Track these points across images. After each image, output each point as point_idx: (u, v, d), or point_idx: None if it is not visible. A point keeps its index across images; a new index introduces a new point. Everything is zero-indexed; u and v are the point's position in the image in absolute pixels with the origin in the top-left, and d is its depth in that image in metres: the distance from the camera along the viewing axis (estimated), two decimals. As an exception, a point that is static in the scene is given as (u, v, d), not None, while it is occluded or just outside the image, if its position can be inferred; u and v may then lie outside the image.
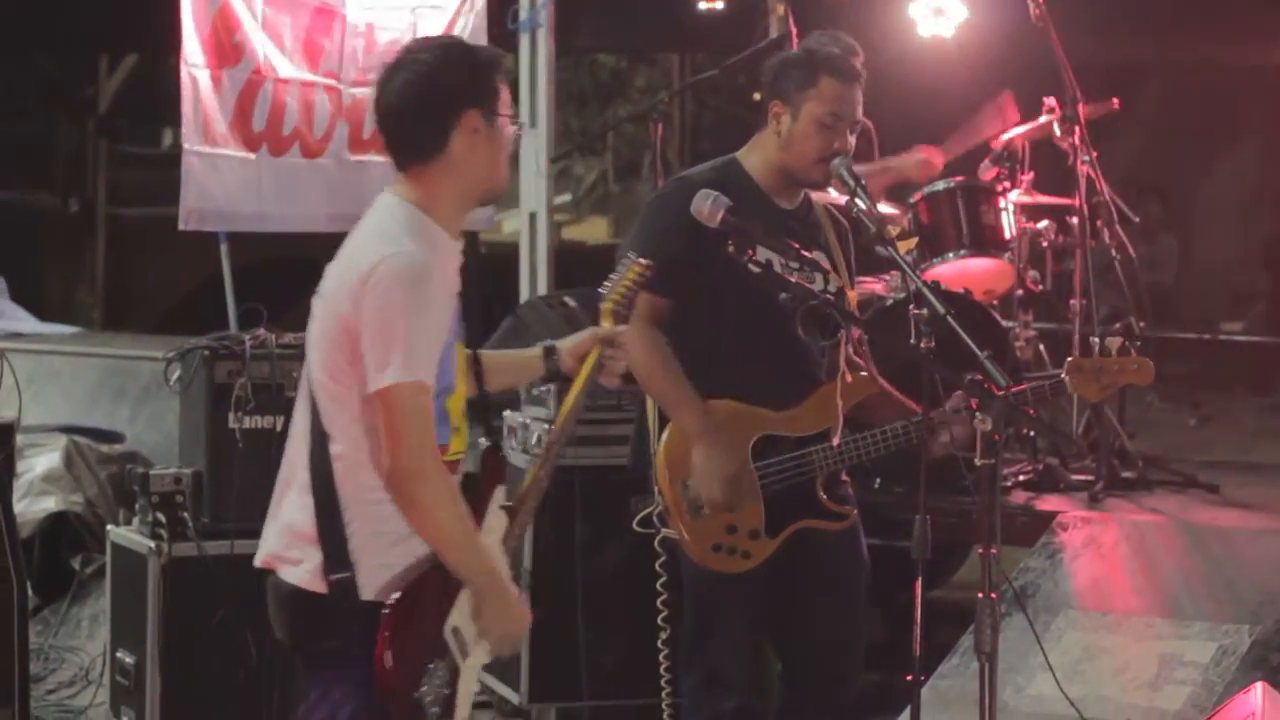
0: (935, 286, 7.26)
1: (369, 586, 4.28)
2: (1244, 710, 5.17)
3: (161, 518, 6.57)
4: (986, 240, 8.05)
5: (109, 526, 7.09)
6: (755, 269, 5.08)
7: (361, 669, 4.26)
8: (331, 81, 8.63)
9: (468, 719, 4.43)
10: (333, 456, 4.32)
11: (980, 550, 4.52)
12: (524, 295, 9.93)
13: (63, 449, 8.29)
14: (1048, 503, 7.52)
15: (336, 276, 4.34)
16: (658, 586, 5.63)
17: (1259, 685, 5.25)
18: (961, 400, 5.03)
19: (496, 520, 4.44)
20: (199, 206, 8.11)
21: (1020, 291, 8.24)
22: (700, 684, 5.53)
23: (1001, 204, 8.12)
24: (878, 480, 7.32)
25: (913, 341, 4.81)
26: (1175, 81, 14.15)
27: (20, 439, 7.10)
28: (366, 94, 8.73)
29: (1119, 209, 8.08)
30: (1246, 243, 14.65)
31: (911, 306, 4.86)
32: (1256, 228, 14.47)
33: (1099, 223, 7.95)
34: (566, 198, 23.41)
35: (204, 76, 8.11)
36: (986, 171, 8.25)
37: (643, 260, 4.70)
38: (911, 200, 8.16)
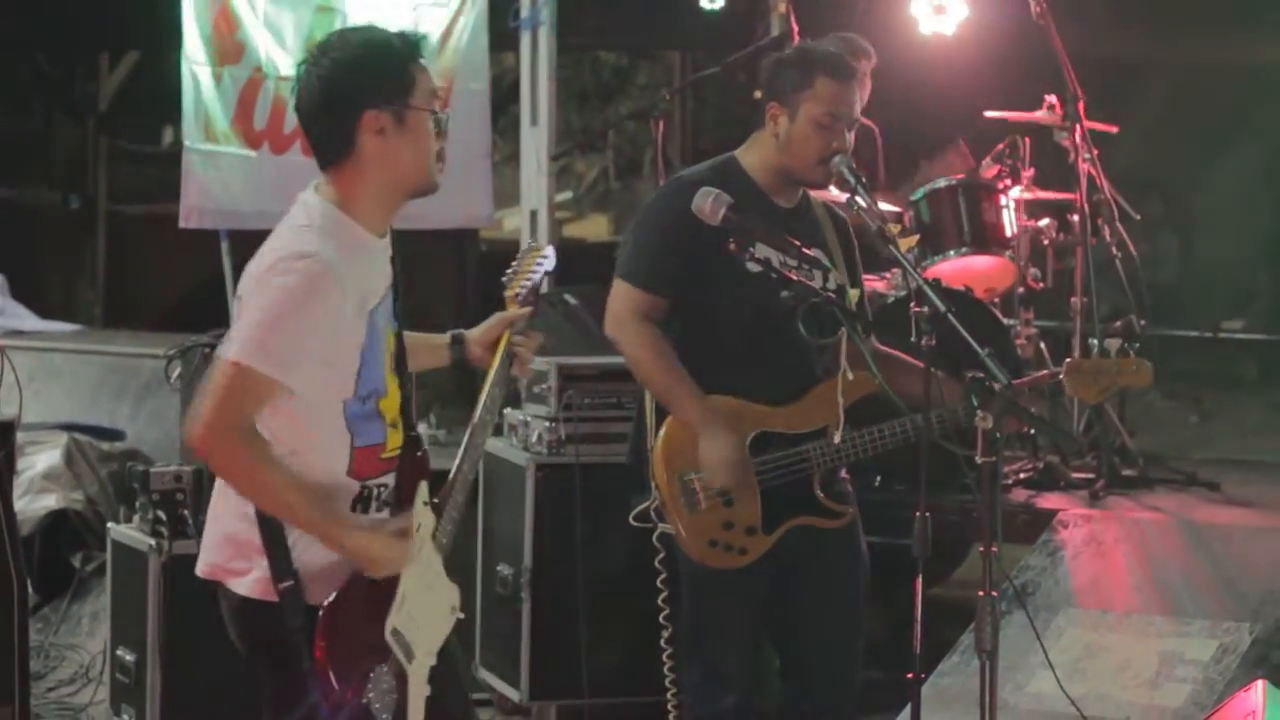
0: (936, 284, 7.25)
1: (315, 591, 4.26)
2: (1245, 708, 5.17)
3: (162, 515, 6.57)
4: (988, 238, 8.05)
5: (109, 524, 7.09)
6: (755, 267, 5.08)
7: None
8: (333, 79, 8.62)
9: None
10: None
11: (981, 548, 4.52)
12: (524, 293, 9.92)
13: (63, 446, 8.29)
14: (1048, 500, 7.52)
15: (244, 279, 4.32)
16: (658, 583, 5.63)
17: (1260, 683, 5.25)
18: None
19: (423, 517, 4.40)
20: (200, 204, 8.12)
21: (1021, 289, 8.24)
22: (700, 681, 5.54)
23: (1002, 201, 8.12)
24: (878, 478, 7.31)
25: (914, 339, 4.81)
26: (1177, 78, 14.14)
27: (21, 436, 7.10)
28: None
29: (1120, 206, 8.08)
30: (1248, 240, 14.63)
31: (912, 304, 4.85)
32: (1258, 225, 14.44)
33: (1100, 220, 7.95)
34: (567, 195, 23.39)
35: (205, 74, 8.12)
36: (988, 169, 8.25)
37: (538, 244, 4.75)
38: (913, 198, 8.16)
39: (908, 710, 4.90)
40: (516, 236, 10.38)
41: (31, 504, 8.03)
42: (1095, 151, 7.88)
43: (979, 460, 4.51)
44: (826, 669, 5.57)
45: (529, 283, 4.71)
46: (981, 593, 4.49)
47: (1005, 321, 7.94)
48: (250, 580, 4.33)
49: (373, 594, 4.28)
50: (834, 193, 6.57)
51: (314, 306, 4.18)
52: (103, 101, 15.95)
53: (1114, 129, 8.28)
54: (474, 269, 15.76)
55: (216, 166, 8.15)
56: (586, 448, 6.65)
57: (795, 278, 5.07)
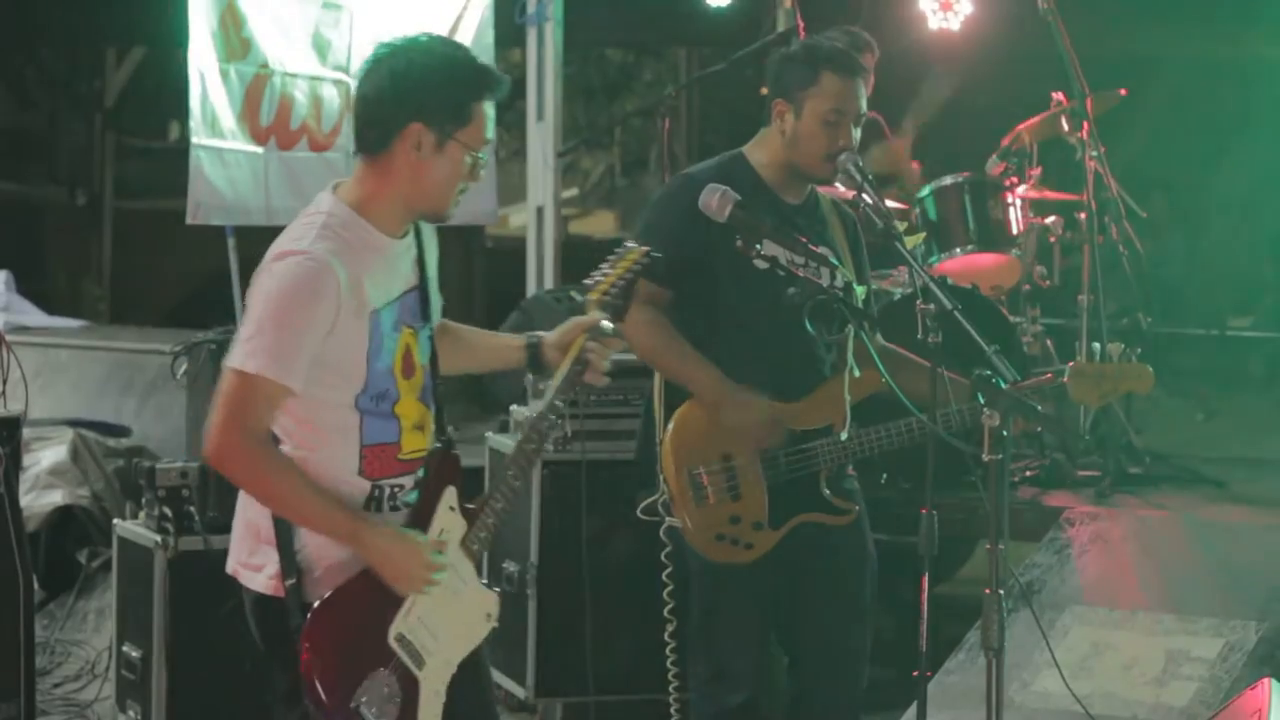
0: (942, 281, 7.25)
1: (316, 591, 4.29)
2: (1251, 706, 5.16)
3: (168, 511, 6.57)
4: (994, 235, 8.04)
5: (115, 520, 7.09)
6: (762, 264, 5.08)
7: None
8: (340, 76, 8.63)
9: None
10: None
11: (987, 546, 4.51)
12: (530, 289, 9.93)
13: (69, 442, 8.29)
14: (1055, 498, 7.51)
15: (259, 267, 4.34)
16: (663, 578, 5.62)
17: (1266, 681, 5.24)
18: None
19: (449, 521, 4.40)
20: (206, 200, 8.11)
21: (1027, 287, 8.23)
22: (707, 678, 5.53)
23: (1009, 199, 8.11)
24: (884, 475, 7.31)
25: (920, 337, 4.80)
26: (1184, 75, 14.13)
27: (27, 432, 7.10)
28: (374, 88, 8.78)
29: (1127, 204, 8.07)
30: (1255, 238, 14.62)
31: (919, 301, 4.84)
32: (1265, 223, 14.42)
33: (1107, 218, 7.94)
34: (573, 192, 23.40)
35: (212, 70, 8.11)
36: (994, 167, 8.24)
37: (642, 247, 4.65)
38: (919, 195, 8.15)
39: (914, 708, 4.89)
40: (523, 233, 10.38)
41: (37, 500, 8.03)
42: (1103, 149, 7.87)
43: (986, 458, 4.51)
44: (833, 666, 5.56)
45: (616, 286, 4.61)
46: (988, 590, 4.49)
47: (1012, 319, 7.93)
48: (264, 576, 4.37)
49: (375, 597, 4.28)
50: (840, 189, 6.56)
51: (306, 304, 4.20)
52: (109, 97, 15.96)
53: (1121, 91, 8.25)
54: (480, 266, 15.77)
55: (223, 163, 8.14)
56: (593, 444, 6.64)
57: (802, 275, 5.07)
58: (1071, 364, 5.35)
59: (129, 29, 14.85)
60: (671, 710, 6.01)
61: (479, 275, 15.69)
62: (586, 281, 4.64)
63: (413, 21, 8.92)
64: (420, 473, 4.44)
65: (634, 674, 6.60)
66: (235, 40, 8.18)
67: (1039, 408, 4.78)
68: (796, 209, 5.50)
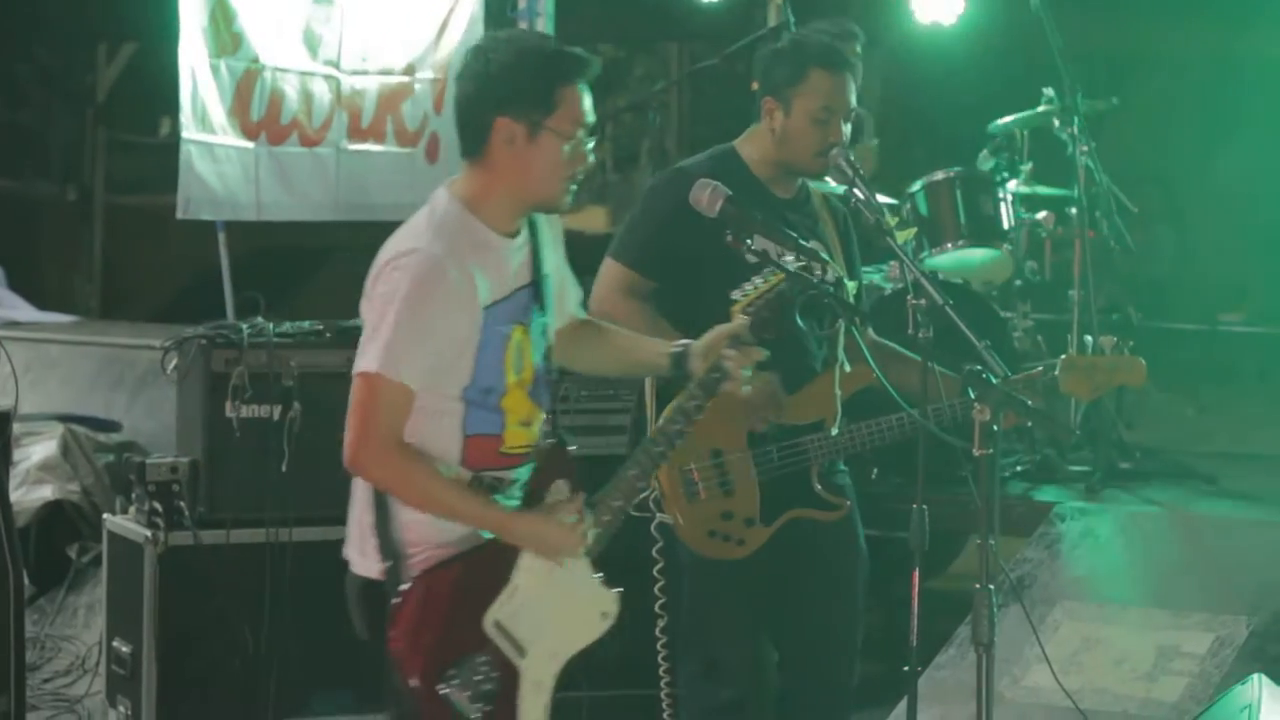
0: (934, 277, 7.24)
1: (411, 574, 4.31)
2: (1241, 702, 5.16)
3: (158, 506, 6.57)
4: (985, 230, 8.04)
5: (105, 515, 7.09)
6: (753, 259, 5.07)
7: None
8: (330, 71, 8.63)
9: None
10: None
11: (978, 540, 4.51)
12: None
13: (59, 437, 8.29)
14: (1045, 493, 7.52)
15: (370, 269, 4.39)
16: (655, 573, 5.62)
17: (1256, 676, 5.24)
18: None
19: (558, 514, 4.43)
20: (196, 195, 8.11)
21: (1019, 282, 8.24)
22: (698, 674, 5.53)
23: (1000, 194, 8.11)
24: (875, 470, 7.31)
25: (911, 332, 4.80)
26: (1174, 71, 14.12)
27: (17, 427, 7.10)
28: (365, 84, 8.78)
29: (1118, 199, 8.07)
30: (1245, 233, 14.61)
31: (910, 297, 4.84)
32: (1256, 218, 14.42)
33: (1097, 213, 7.94)
34: (565, 187, 23.36)
35: (202, 65, 8.11)
36: (985, 161, 8.24)
37: (796, 263, 4.67)
38: (910, 190, 8.15)
39: (904, 703, 4.90)
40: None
41: (27, 495, 8.02)
42: (1093, 144, 7.87)
43: (976, 453, 4.51)
44: (824, 661, 5.56)
45: (764, 299, 4.65)
46: (978, 585, 4.49)
47: (1003, 314, 7.93)
48: (370, 561, 4.40)
49: (473, 582, 4.32)
50: (831, 184, 6.55)
51: (423, 302, 4.24)
52: (100, 92, 15.92)
53: (1114, 100, 8.27)
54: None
55: (213, 158, 8.14)
56: (585, 439, 6.63)
57: (793, 269, 5.06)
58: (1063, 357, 5.35)
59: (121, 24, 14.82)
60: (663, 706, 6.00)
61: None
62: (735, 293, 4.69)
63: (402, 16, 8.93)
64: (522, 468, 4.47)
65: (625, 669, 6.58)
66: (226, 35, 8.18)
67: (1030, 403, 4.78)
68: (787, 203, 5.49)
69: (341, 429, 6.69)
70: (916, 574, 4.67)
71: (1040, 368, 5.39)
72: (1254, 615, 6.37)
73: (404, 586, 4.29)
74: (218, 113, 8.17)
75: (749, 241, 4.98)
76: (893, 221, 7.72)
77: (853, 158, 5.40)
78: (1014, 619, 6.33)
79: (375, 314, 4.29)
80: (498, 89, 4.35)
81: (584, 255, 4.78)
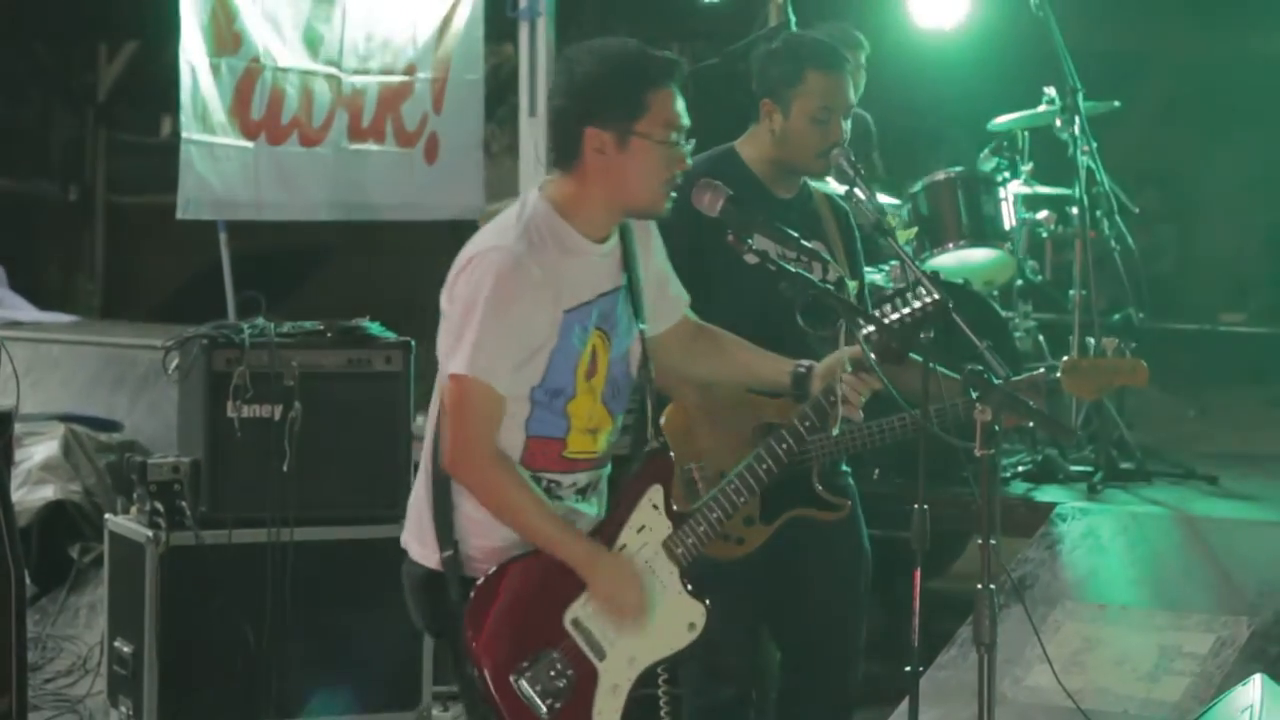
0: (935, 277, 7.23)
1: (473, 564, 4.32)
2: (1242, 702, 5.16)
3: (159, 506, 6.57)
4: (986, 231, 8.04)
5: (107, 515, 7.09)
6: (753, 259, 5.06)
7: None
8: (331, 70, 8.63)
9: None
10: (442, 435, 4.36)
11: (979, 541, 4.51)
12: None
13: (61, 438, 8.29)
14: (1047, 493, 7.51)
15: (453, 267, 4.40)
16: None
17: (1257, 677, 5.24)
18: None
19: (652, 519, 4.45)
20: (196, 195, 8.11)
21: (1020, 282, 8.23)
22: (698, 673, 5.52)
23: (1001, 194, 8.11)
24: (876, 470, 7.30)
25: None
26: (1175, 70, 14.12)
27: (18, 427, 7.09)
28: (366, 83, 8.77)
29: (1119, 199, 8.07)
30: (1247, 233, 14.61)
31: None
32: (1257, 218, 14.42)
33: (1099, 213, 7.94)
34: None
35: (203, 64, 8.11)
36: (986, 161, 8.24)
37: (934, 295, 4.64)
38: (911, 190, 8.15)
39: (905, 703, 4.89)
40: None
41: (29, 495, 8.02)
42: (1094, 144, 7.87)
43: (978, 453, 4.50)
44: (826, 662, 5.56)
45: (894, 325, 4.63)
46: (979, 586, 4.48)
47: (1004, 315, 7.93)
48: (428, 550, 4.40)
49: (552, 578, 4.31)
50: (832, 184, 6.55)
51: (506, 300, 4.24)
52: (101, 92, 15.93)
53: (1115, 103, 8.27)
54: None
55: (213, 157, 8.14)
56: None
57: (794, 269, 5.06)
58: (1066, 359, 5.35)
59: (121, 24, 14.83)
60: (662, 705, 5.99)
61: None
62: (865, 319, 4.67)
63: (404, 15, 8.93)
64: (582, 474, 4.47)
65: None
66: (226, 34, 8.18)
67: (1031, 403, 4.78)
68: (788, 204, 5.49)
69: (341, 428, 6.77)
70: (918, 574, 4.67)
71: (1042, 369, 5.39)
72: (1255, 616, 6.36)
73: (480, 580, 4.28)
74: (218, 112, 8.16)
75: (750, 241, 4.98)
76: (893, 222, 7.72)
77: (854, 157, 5.41)
78: (1015, 619, 6.33)
79: (459, 313, 4.29)
80: (584, 99, 4.34)
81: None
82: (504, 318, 4.24)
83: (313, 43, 8.55)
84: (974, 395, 4.50)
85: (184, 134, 8.11)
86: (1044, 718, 6.21)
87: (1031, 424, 7.70)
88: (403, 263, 12.66)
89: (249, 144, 8.27)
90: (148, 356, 8.47)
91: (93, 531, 7.89)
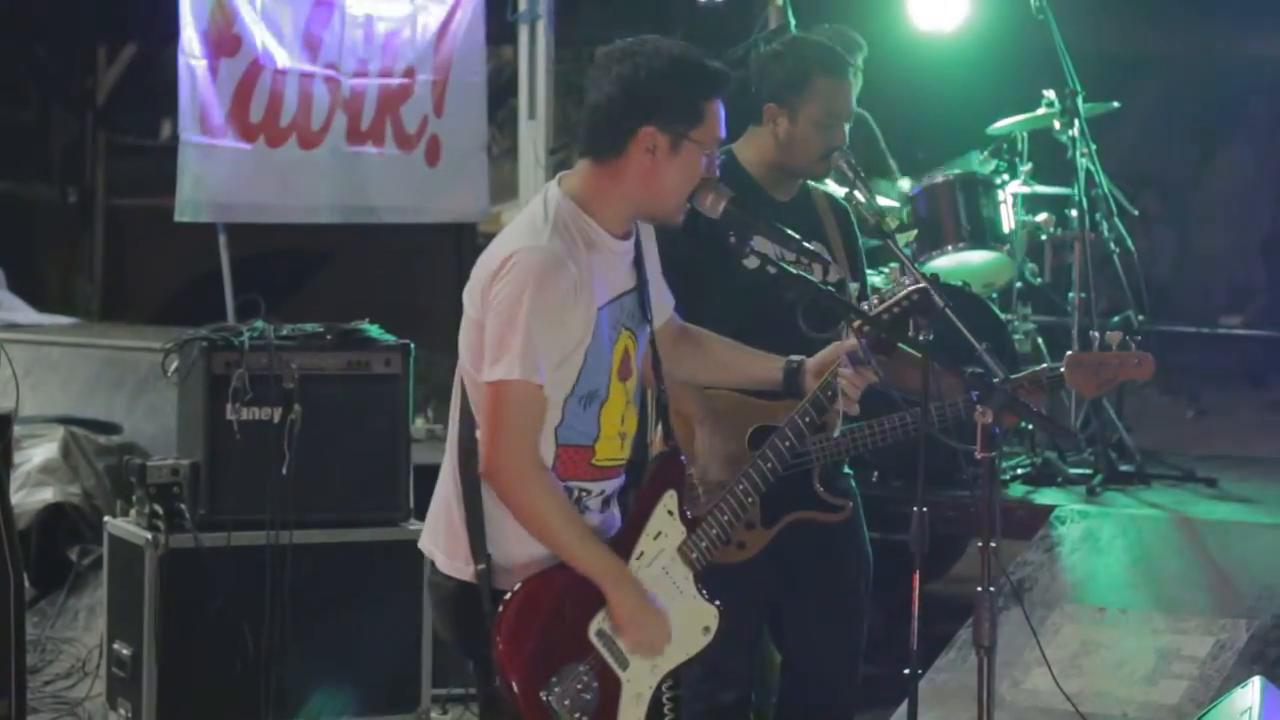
0: (934, 279, 7.24)
1: (506, 578, 4.28)
2: (1241, 705, 5.16)
3: (159, 509, 6.57)
4: (985, 233, 8.04)
5: (106, 518, 7.09)
6: (754, 261, 5.06)
7: None
8: (330, 73, 8.62)
9: None
10: (478, 441, 4.31)
11: (978, 543, 4.51)
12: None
13: (60, 440, 8.29)
14: (1046, 496, 7.52)
15: (479, 266, 4.34)
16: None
17: (1256, 680, 5.24)
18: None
19: (667, 525, 4.43)
20: (194, 197, 8.11)
21: (1019, 284, 8.24)
22: (699, 675, 5.51)
23: (1000, 197, 8.11)
24: (876, 473, 7.30)
25: (911, 334, 4.79)
26: (1175, 73, 14.14)
27: (18, 430, 7.10)
28: (365, 85, 8.77)
29: (1118, 201, 8.08)
30: (1246, 236, 14.63)
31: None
32: (1256, 221, 14.43)
33: (1098, 215, 7.95)
34: (565, 189, 23.35)
35: (201, 67, 8.11)
36: (985, 164, 8.24)
37: (916, 285, 4.66)
38: (910, 193, 8.15)
39: (904, 706, 4.89)
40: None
41: (28, 497, 8.02)
42: (1094, 146, 7.88)
43: (978, 455, 4.50)
44: (826, 664, 5.55)
45: (884, 318, 4.64)
46: (979, 588, 4.48)
47: (1003, 317, 7.93)
48: (459, 561, 4.34)
49: (577, 591, 4.28)
50: (833, 187, 6.55)
51: (548, 299, 4.18)
52: (101, 94, 15.92)
53: (1115, 104, 8.28)
54: (471, 264, 15.71)
55: (212, 160, 8.14)
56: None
57: (794, 272, 5.06)
58: (1069, 354, 5.32)
59: (121, 26, 14.83)
60: (664, 708, 5.99)
61: (470, 273, 15.64)
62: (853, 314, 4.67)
63: (403, 18, 8.92)
64: (609, 482, 4.45)
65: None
66: (225, 36, 8.18)
67: (1031, 406, 4.78)
68: (787, 206, 5.49)
69: (340, 431, 6.77)
70: (917, 577, 4.67)
71: (1046, 367, 5.38)
72: (1254, 618, 6.37)
73: (508, 594, 4.24)
74: (217, 115, 8.16)
75: (750, 244, 4.98)
76: (893, 224, 7.72)
77: (853, 158, 5.41)
78: (1014, 622, 6.33)
79: (501, 318, 4.20)
80: (647, 98, 4.29)
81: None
82: (549, 319, 4.18)
83: (311, 45, 8.54)
84: (975, 397, 4.50)
85: (183, 136, 8.11)
86: (1043, 720, 6.22)
87: (1031, 426, 7.72)
88: (402, 265, 12.67)
89: (248, 146, 8.27)
90: (147, 359, 8.46)
91: (92, 534, 7.89)
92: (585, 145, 4.39)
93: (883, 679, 6.09)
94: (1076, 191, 7.88)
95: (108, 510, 7.59)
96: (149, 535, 6.54)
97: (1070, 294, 7.99)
